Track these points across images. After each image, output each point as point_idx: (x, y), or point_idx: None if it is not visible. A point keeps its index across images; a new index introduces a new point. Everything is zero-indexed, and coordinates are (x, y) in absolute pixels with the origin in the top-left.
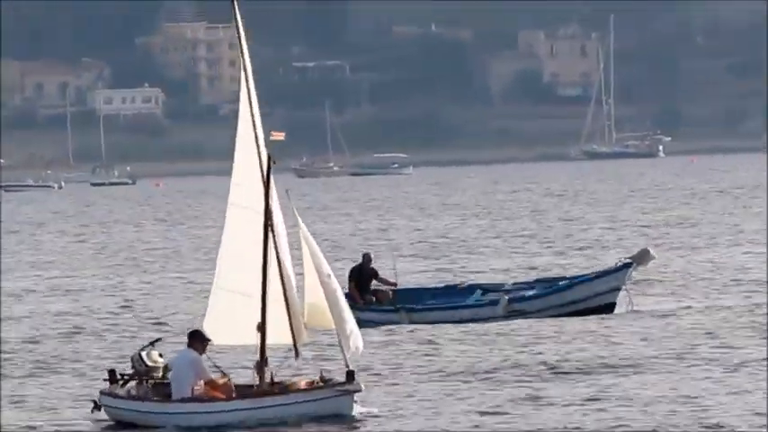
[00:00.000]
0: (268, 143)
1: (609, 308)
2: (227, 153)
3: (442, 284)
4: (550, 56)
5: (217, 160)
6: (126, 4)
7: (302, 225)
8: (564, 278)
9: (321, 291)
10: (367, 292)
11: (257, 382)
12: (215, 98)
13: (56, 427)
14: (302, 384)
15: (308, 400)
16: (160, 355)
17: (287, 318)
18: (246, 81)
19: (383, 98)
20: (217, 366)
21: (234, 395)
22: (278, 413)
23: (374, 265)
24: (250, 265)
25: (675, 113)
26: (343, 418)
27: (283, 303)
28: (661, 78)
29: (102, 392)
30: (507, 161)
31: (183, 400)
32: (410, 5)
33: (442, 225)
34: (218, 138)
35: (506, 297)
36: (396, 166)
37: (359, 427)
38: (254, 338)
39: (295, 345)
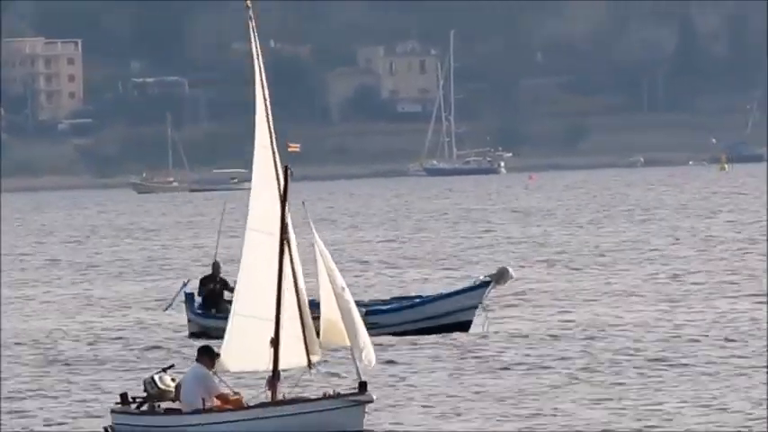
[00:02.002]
0: (284, 156)
1: (465, 326)
2: (66, 169)
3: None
4: (389, 72)
5: (55, 175)
6: None
7: (317, 237)
8: (421, 296)
9: (336, 305)
10: (219, 302)
11: (269, 399)
12: (54, 114)
13: None
14: (313, 397)
15: (319, 410)
16: (172, 380)
17: (302, 339)
18: (263, 91)
19: (222, 114)
20: (227, 385)
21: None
22: (288, 423)
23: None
24: (268, 291)
25: (515, 130)
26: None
27: (299, 325)
28: (501, 95)
29: (113, 411)
30: (346, 177)
31: (194, 412)
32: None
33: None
34: (56, 153)
35: (363, 310)
36: (235, 181)
37: None
38: (269, 357)
39: (308, 356)
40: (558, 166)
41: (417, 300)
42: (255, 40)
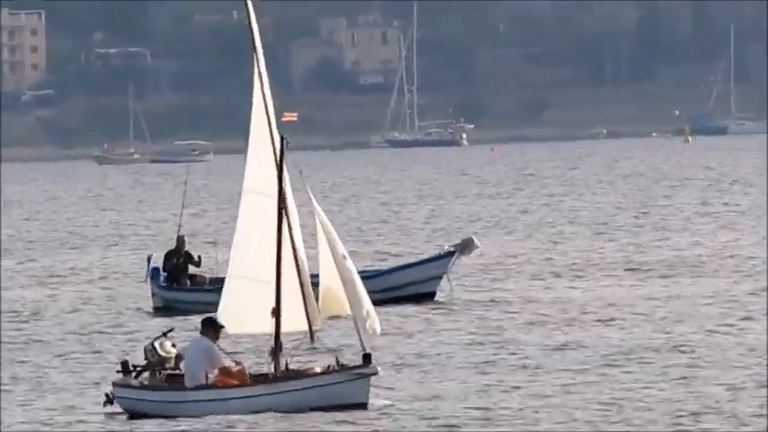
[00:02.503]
0: (280, 125)
1: (429, 296)
2: (29, 141)
3: None
4: (351, 44)
5: (18, 147)
6: None
7: (317, 206)
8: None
9: (336, 274)
10: (183, 276)
11: (272, 370)
12: (17, 85)
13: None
14: (317, 370)
15: (324, 384)
16: (173, 345)
17: (302, 303)
18: (258, 66)
19: (184, 85)
20: (229, 355)
21: (249, 382)
22: (294, 399)
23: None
24: (265, 252)
25: (477, 102)
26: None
27: (298, 289)
28: (463, 67)
29: (114, 384)
30: (309, 149)
31: (197, 388)
32: None
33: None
34: (19, 125)
35: None
36: (196, 153)
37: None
38: (270, 325)
39: (310, 328)
40: (520, 138)
41: (382, 270)
42: (250, 8)
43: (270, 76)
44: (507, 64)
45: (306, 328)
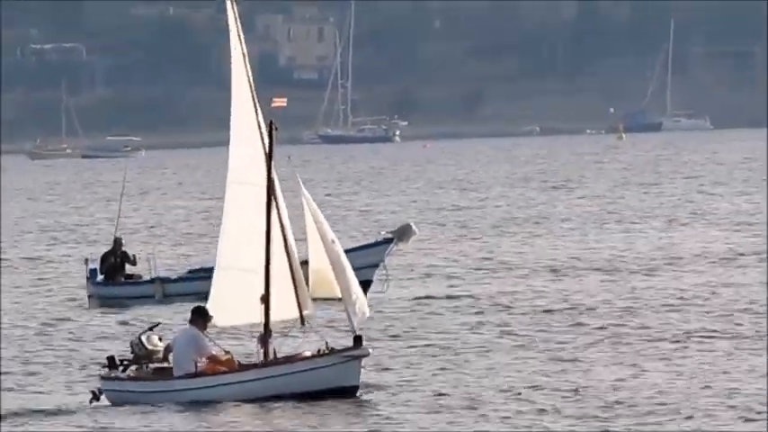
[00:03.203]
0: (267, 112)
1: (365, 285)
2: None
3: (198, 266)
4: (287, 39)
5: None
6: None
7: (305, 192)
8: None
9: (326, 257)
10: (119, 276)
11: (261, 358)
12: None
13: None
14: (307, 354)
15: (315, 368)
16: (160, 339)
17: (293, 291)
18: (243, 53)
19: (119, 80)
20: (218, 345)
21: (237, 369)
22: (284, 383)
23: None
24: (254, 242)
25: (412, 98)
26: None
27: (288, 276)
28: (398, 62)
29: (102, 377)
30: None
31: (185, 376)
32: None
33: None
34: None
35: None
36: (128, 148)
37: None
38: (260, 315)
39: (301, 314)
40: (453, 134)
41: None
42: None
43: (205, 71)
44: (442, 59)
45: (296, 315)
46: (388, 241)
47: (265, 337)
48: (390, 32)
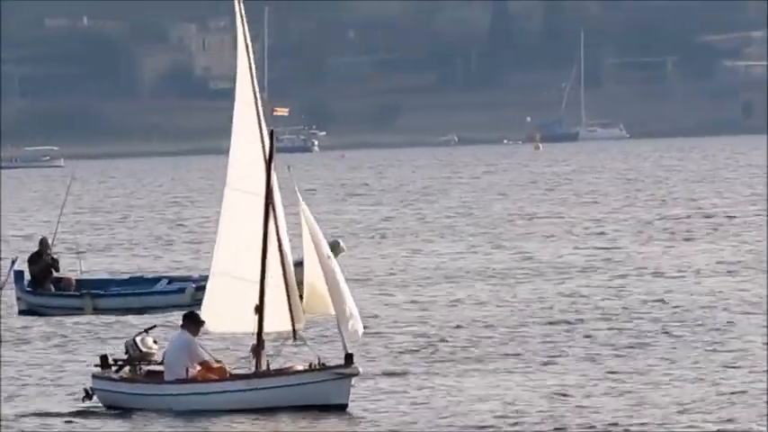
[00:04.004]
0: (269, 120)
1: None
2: None
3: (127, 275)
4: (202, 49)
5: None
6: None
7: (303, 204)
8: None
9: (321, 272)
10: (47, 280)
11: (253, 368)
12: None
13: None
14: (299, 368)
15: (305, 383)
16: (155, 342)
17: (286, 302)
18: (247, 48)
19: (35, 91)
20: (210, 354)
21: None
22: (274, 396)
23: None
24: (250, 250)
25: (329, 108)
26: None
27: (283, 288)
28: (315, 73)
29: (94, 376)
30: (159, 155)
31: (177, 381)
32: None
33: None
34: None
35: (193, 285)
36: (47, 158)
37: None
38: (253, 324)
39: (293, 327)
40: (371, 144)
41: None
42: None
43: (120, 81)
44: (358, 70)
45: (289, 327)
46: None
47: (258, 348)
48: (305, 43)
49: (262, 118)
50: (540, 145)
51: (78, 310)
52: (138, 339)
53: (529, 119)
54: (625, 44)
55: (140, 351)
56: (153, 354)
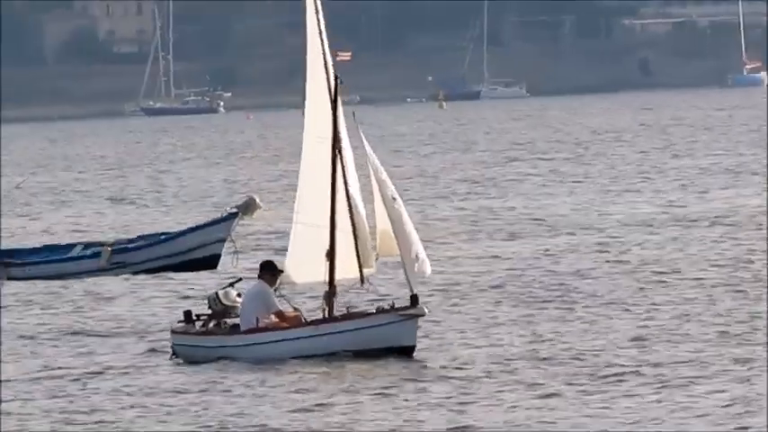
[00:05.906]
0: (334, 65)
1: (213, 259)
2: None
3: (39, 244)
4: (106, 15)
5: None
6: None
7: (369, 149)
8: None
9: (386, 216)
10: None
11: (326, 315)
12: None
13: None
14: (365, 312)
15: (371, 326)
16: (239, 295)
17: (354, 249)
18: (316, 6)
19: None
20: (288, 301)
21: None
22: (341, 340)
23: None
24: (326, 196)
25: (234, 70)
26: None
27: (351, 233)
28: (218, 36)
29: (173, 331)
30: (63, 119)
31: (246, 332)
32: None
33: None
34: None
35: (109, 249)
36: None
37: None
38: (325, 270)
39: (361, 271)
40: (276, 105)
41: (163, 236)
42: None
43: (23, 48)
44: (262, 32)
45: (358, 275)
46: (233, 216)
47: (330, 295)
48: (208, 7)
49: (330, 64)
50: (444, 103)
51: None
52: (220, 293)
53: (430, 78)
54: (526, 4)
55: (223, 305)
56: (237, 307)
